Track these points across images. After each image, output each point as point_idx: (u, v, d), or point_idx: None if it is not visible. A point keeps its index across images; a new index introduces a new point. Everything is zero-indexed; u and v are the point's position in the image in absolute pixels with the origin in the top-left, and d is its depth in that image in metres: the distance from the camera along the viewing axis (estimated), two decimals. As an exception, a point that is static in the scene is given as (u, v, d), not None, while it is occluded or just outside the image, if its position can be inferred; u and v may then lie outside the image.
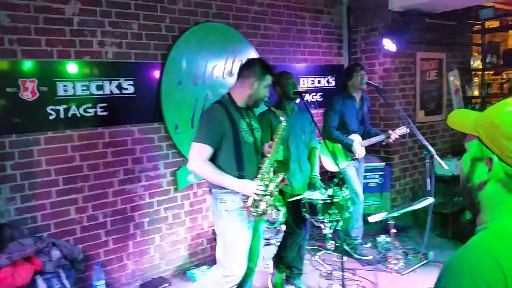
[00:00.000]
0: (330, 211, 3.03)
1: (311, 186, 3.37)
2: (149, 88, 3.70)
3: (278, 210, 3.16)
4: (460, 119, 1.00)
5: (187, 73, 3.90)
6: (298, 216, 3.38)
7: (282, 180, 2.73)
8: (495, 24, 5.99)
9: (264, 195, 2.57)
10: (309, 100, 4.87)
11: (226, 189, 2.55)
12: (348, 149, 4.07)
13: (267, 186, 2.60)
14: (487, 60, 5.71)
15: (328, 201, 3.04)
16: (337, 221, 3.08)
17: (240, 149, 2.58)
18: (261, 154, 2.77)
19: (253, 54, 4.37)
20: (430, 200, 3.66)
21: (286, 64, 4.69)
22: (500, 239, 0.81)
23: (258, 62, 2.72)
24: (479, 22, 5.66)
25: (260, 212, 2.59)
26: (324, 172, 4.24)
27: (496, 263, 0.76)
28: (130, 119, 3.60)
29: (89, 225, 3.42)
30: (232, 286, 2.60)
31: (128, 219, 3.63)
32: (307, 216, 3.15)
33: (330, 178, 3.76)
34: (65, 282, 2.76)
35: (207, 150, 2.52)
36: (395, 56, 4.93)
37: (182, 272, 3.92)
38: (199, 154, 2.52)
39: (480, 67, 5.77)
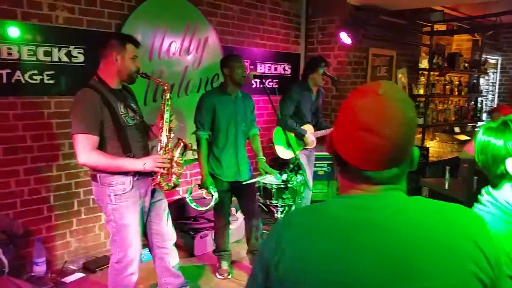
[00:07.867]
0: (283, 196, 3.06)
1: (260, 170, 3.35)
2: (101, 59, 3.50)
3: (210, 193, 3.10)
4: None
5: (142, 47, 3.70)
6: (247, 204, 3.33)
7: (185, 147, 2.61)
8: (442, 27, 6.31)
9: (170, 166, 2.48)
10: (267, 86, 4.85)
11: (113, 172, 2.38)
12: (300, 138, 4.12)
13: (170, 157, 2.50)
14: (433, 61, 6.00)
15: (282, 185, 3.07)
16: (290, 206, 3.13)
17: (123, 132, 2.41)
18: (147, 135, 2.64)
19: (211, 33, 4.27)
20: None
21: (244, 47, 4.64)
22: None
23: (113, 35, 2.52)
24: (429, 24, 5.93)
25: (172, 185, 2.52)
26: (275, 159, 4.27)
27: None
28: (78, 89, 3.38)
29: (31, 199, 3.20)
30: (130, 271, 2.48)
31: (73, 195, 3.45)
32: (261, 199, 3.16)
33: (281, 165, 3.78)
34: (2, 257, 2.56)
35: (93, 139, 2.31)
36: (349, 49, 5.03)
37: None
38: (85, 145, 2.29)
39: (427, 67, 6.04)
